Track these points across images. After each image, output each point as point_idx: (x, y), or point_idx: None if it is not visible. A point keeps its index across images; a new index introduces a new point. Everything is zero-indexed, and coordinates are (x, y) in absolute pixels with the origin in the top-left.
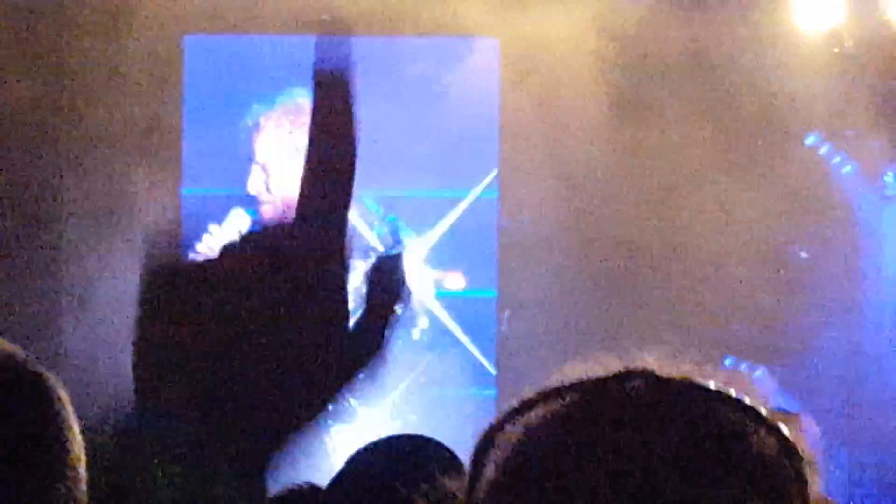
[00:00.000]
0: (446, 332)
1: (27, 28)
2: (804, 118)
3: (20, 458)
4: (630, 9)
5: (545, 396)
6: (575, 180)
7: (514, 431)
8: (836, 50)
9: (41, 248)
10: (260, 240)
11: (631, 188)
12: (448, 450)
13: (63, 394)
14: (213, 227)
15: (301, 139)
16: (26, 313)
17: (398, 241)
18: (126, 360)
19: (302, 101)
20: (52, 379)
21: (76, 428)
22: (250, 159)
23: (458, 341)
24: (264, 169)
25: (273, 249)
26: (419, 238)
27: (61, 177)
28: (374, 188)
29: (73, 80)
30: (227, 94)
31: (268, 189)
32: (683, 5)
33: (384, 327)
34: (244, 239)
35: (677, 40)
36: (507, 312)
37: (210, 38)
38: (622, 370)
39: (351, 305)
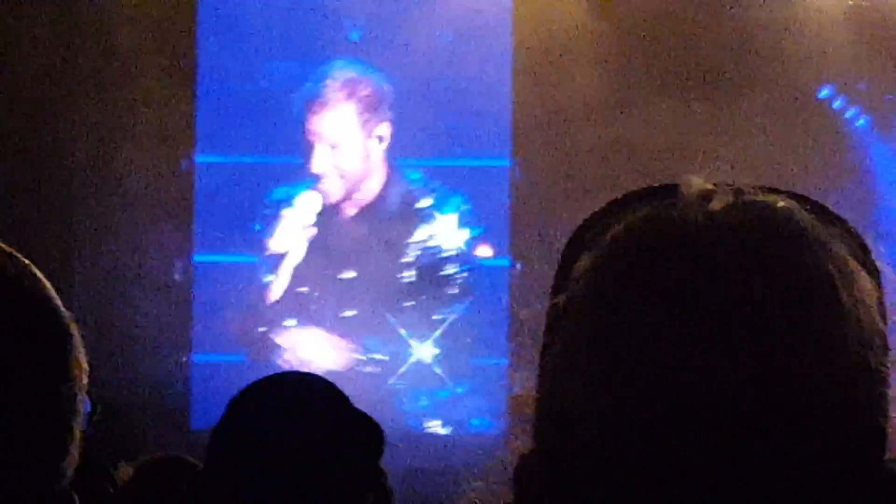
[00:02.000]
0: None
1: None
2: (817, 71)
3: (25, 359)
4: None
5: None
6: (586, 142)
7: (609, 231)
8: (851, 2)
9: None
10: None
11: (645, 142)
12: (332, 385)
13: (70, 325)
14: (285, 212)
15: (366, 115)
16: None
17: (444, 205)
18: None
19: (353, 73)
20: (61, 307)
21: (82, 359)
22: (308, 139)
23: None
24: (332, 147)
25: None
26: (462, 206)
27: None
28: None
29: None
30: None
31: (335, 166)
32: None
33: None
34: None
35: (691, 5)
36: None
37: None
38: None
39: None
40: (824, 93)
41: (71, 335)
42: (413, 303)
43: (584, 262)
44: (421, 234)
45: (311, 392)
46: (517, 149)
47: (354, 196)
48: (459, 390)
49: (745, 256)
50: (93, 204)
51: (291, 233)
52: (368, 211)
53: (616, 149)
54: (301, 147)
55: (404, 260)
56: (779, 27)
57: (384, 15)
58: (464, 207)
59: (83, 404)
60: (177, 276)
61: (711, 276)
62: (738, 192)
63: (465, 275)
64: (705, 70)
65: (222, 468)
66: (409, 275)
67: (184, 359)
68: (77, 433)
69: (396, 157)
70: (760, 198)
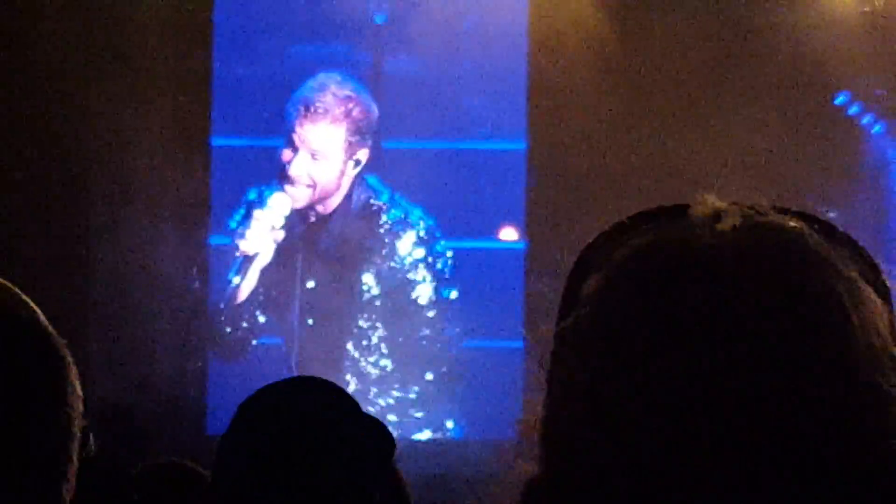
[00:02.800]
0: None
1: None
2: (833, 77)
3: (22, 386)
4: None
5: (643, 220)
6: (601, 133)
7: (617, 252)
8: (867, 9)
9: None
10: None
11: (655, 150)
12: (341, 390)
13: (65, 354)
14: (257, 213)
15: (354, 138)
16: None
17: (409, 224)
18: None
19: (350, 91)
20: (56, 337)
21: (78, 387)
22: (295, 142)
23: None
24: (314, 156)
25: None
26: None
27: (95, 137)
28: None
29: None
30: (260, 53)
31: (310, 176)
32: None
33: None
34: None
35: (708, 2)
36: None
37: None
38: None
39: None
40: (840, 99)
41: (66, 361)
42: (371, 320)
43: (590, 285)
44: (383, 252)
45: (321, 397)
46: (533, 132)
47: (317, 207)
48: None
49: (754, 279)
50: (107, 186)
51: (261, 234)
52: (328, 221)
53: (632, 134)
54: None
55: (368, 276)
56: (794, 33)
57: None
58: (424, 223)
59: (80, 430)
60: (194, 265)
61: (720, 300)
62: (748, 212)
63: (434, 284)
64: (725, 75)
65: (232, 474)
66: (368, 286)
67: (199, 363)
68: (75, 459)
69: (413, 139)
70: (770, 219)
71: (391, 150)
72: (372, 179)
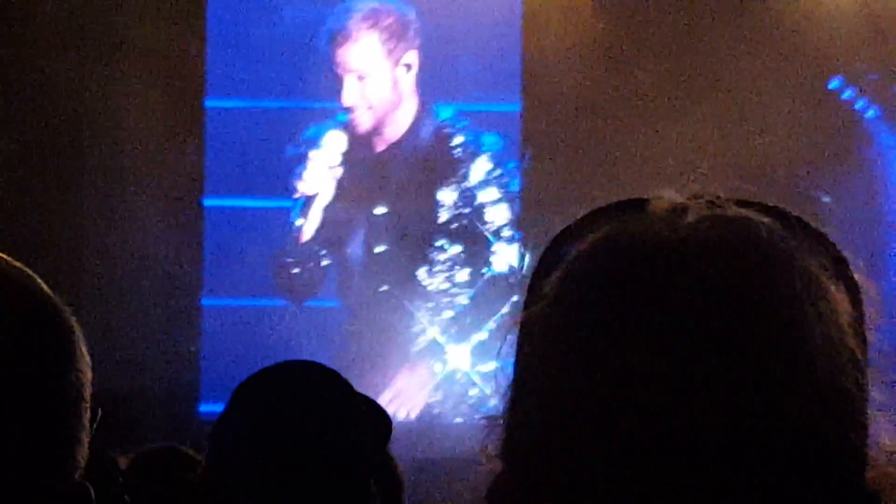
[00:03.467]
0: None
1: None
2: (827, 62)
3: (33, 353)
4: None
5: (603, 216)
6: (596, 89)
7: (575, 247)
8: None
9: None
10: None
11: (648, 133)
12: (335, 372)
13: (73, 322)
14: (312, 154)
15: (391, 44)
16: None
17: (480, 146)
18: None
19: (375, 3)
20: (64, 306)
21: (87, 356)
22: (337, 73)
23: None
24: (360, 78)
25: None
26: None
27: (90, 97)
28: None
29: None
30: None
31: (365, 97)
32: None
33: None
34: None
35: None
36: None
37: None
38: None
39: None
40: (834, 84)
41: (72, 326)
42: (451, 243)
43: (551, 279)
44: (456, 172)
45: (316, 379)
46: (527, 94)
47: (385, 129)
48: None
49: (711, 274)
50: (99, 166)
51: (319, 174)
52: (400, 145)
53: (626, 97)
54: (319, 89)
55: (438, 198)
56: (788, 18)
57: None
58: (494, 141)
59: (90, 397)
60: (187, 225)
61: (677, 293)
62: (709, 205)
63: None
64: (719, 57)
65: (227, 458)
66: (444, 217)
67: (192, 348)
68: (87, 425)
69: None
70: (730, 213)
71: None
72: (440, 107)
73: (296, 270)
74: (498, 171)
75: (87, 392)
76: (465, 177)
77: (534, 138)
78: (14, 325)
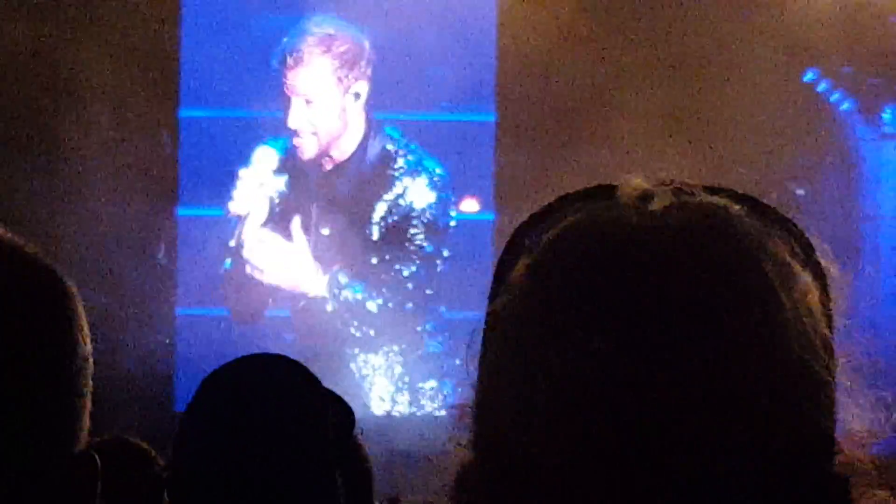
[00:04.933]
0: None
1: None
2: (803, 55)
3: (36, 349)
4: None
5: (571, 203)
6: (570, 96)
7: (543, 235)
8: None
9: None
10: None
11: (626, 118)
12: (302, 366)
13: (75, 293)
14: (241, 172)
15: (343, 72)
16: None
17: (422, 169)
18: None
19: (333, 29)
20: (66, 278)
21: (87, 328)
22: (286, 93)
23: None
24: (307, 102)
25: None
26: (437, 164)
27: (62, 109)
28: (386, 112)
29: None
30: (227, 24)
31: (310, 122)
32: None
33: None
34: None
35: None
36: None
37: None
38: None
39: None
40: (809, 76)
41: (77, 302)
42: (381, 261)
43: (519, 267)
44: (394, 193)
45: (282, 373)
46: (501, 104)
47: (331, 153)
48: (432, 349)
49: (681, 259)
50: (75, 154)
51: (249, 192)
52: (344, 168)
53: (602, 105)
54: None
55: (375, 216)
56: (764, 11)
57: None
58: (439, 171)
59: (90, 368)
60: (161, 236)
61: (646, 280)
62: (677, 192)
63: (434, 236)
64: (692, 51)
65: (192, 448)
66: (379, 233)
67: (167, 340)
68: (89, 397)
69: (381, 111)
70: (699, 199)
71: None
72: (390, 129)
73: (236, 292)
74: (433, 196)
75: (89, 364)
76: (401, 195)
77: (508, 148)
78: (21, 298)
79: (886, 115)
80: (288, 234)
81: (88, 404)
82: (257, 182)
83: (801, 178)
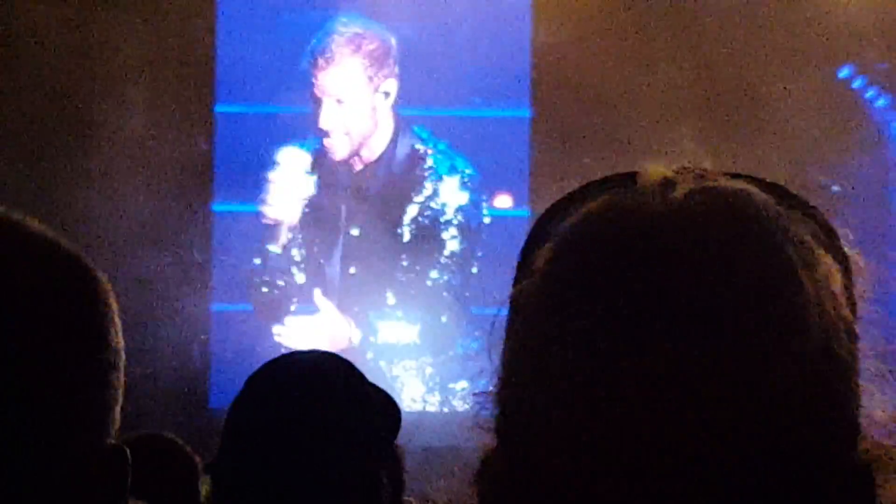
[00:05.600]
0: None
1: None
2: (837, 51)
3: (69, 342)
4: None
5: (594, 190)
6: (605, 93)
7: (567, 221)
8: None
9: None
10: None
11: (660, 115)
12: (348, 362)
13: (108, 288)
14: (271, 175)
15: (372, 70)
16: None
17: (452, 169)
18: None
19: (359, 28)
20: (100, 273)
21: (119, 323)
22: (317, 95)
23: None
24: (339, 102)
25: None
26: (467, 163)
27: (98, 104)
28: (420, 109)
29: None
30: (261, 20)
31: (342, 123)
32: None
33: None
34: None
35: None
36: None
37: None
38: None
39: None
40: (844, 72)
41: (110, 297)
42: (411, 262)
43: (543, 252)
44: (424, 195)
45: (328, 370)
46: (536, 99)
47: (361, 152)
48: (464, 349)
49: (704, 244)
50: (110, 156)
51: (282, 196)
52: (374, 167)
53: (635, 103)
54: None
55: (406, 218)
56: (798, 7)
57: None
58: (468, 171)
59: (123, 366)
60: (196, 232)
61: (669, 265)
62: (699, 178)
63: (467, 237)
64: (726, 47)
65: (239, 446)
66: (410, 233)
67: (203, 336)
68: (120, 392)
69: (415, 107)
70: (720, 184)
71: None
72: (418, 128)
73: (265, 290)
74: (464, 197)
75: (121, 358)
76: (432, 197)
77: (543, 144)
78: (56, 292)
79: None
80: (319, 238)
81: (120, 398)
82: (289, 185)
83: (836, 174)
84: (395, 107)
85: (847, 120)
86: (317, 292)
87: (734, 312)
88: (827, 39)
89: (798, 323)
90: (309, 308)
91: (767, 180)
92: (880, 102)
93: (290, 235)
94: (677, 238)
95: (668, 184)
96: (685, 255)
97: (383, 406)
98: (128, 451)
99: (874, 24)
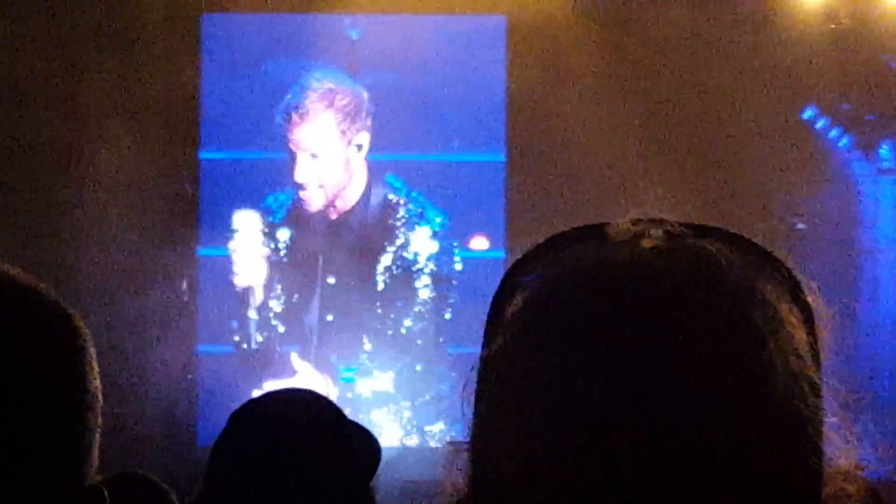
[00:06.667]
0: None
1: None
2: (801, 93)
3: (48, 386)
4: None
5: (565, 242)
6: (577, 149)
7: (536, 275)
8: (833, 26)
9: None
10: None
11: (632, 157)
12: (328, 400)
13: (86, 333)
14: (230, 245)
15: (346, 124)
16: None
17: (424, 220)
18: None
19: (332, 83)
20: (78, 318)
21: (96, 367)
22: (292, 149)
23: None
24: (313, 156)
25: None
26: (439, 212)
27: (85, 149)
28: (397, 154)
29: (89, 54)
30: (244, 68)
31: (317, 176)
32: None
33: None
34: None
35: (679, 18)
36: None
37: (227, 17)
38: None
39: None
40: (808, 113)
41: (88, 342)
42: (386, 311)
43: (513, 306)
44: (396, 245)
45: (309, 406)
46: (511, 144)
47: (336, 203)
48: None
49: (670, 303)
50: (97, 195)
51: (245, 261)
52: (349, 217)
53: (607, 145)
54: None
55: (380, 267)
56: (764, 50)
57: (382, 16)
58: (439, 220)
59: (101, 409)
60: (183, 274)
61: (636, 323)
62: (667, 233)
63: (439, 285)
64: (694, 93)
65: (222, 481)
66: (384, 283)
67: (190, 376)
68: (97, 433)
69: (394, 152)
70: (689, 241)
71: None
72: (391, 178)
73: (245, 346)
74: (436, 246)
75: (99, 401)
76: (404, 246)
77: (518, 187)
78: (35, 337)
79: (883, 151)
80: (297, 288)
81: (97, 439)
82: (248, 248)
83: (801, 212)
84: (373, 153)
85: (811, 159)
86: (293, 356)
87: (699, 373)
88: (790, 82)
89: (761, 383)
90: (286, 371)
91: (735, 233)
92: (843, 142)
93: (262, 296)
94: (645, 297)
95: (636, 237)
96: (653, 312)
97: (362, 443)
98: (105, 490)
99: (836, 67)
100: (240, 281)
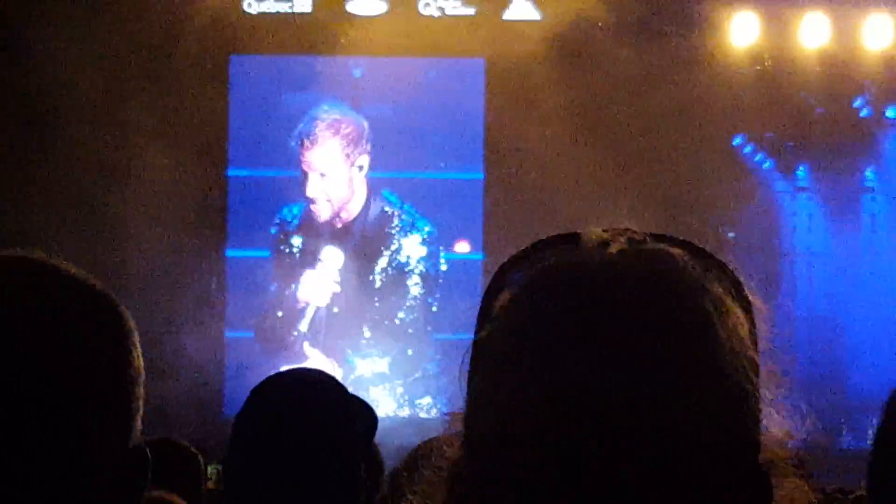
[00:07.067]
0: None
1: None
2: (731, 123)
3: (99, 363)
4: (591, 34)
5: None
6: (547, 161)
7: (520, 274)
8: (758, 67)
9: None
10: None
11: (590, 175)
12: (334, 377)
13: (130, 319)
14: (311, 274)
15: (349, 149)
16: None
17: (415, 228)
18: None
19: (338, 115)
20: (123, 308)
21: (139, 348)
22: (304, 169)
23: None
24: (322, 175)
25: None
26: (427, 222)
27: (128, 166)
28: (392, 172)
29: (135, 86)
30: (265, 100)
31: (325, 192)
32: (635, 33)
33: None
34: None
35: (630, 59)
36: None
37: (251, 58)
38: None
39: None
40: (737, 140)
41: (132, 327)
42: (382, 304)
43: (501, 300)
44: (391, 249)
45: (319, 383)
46: (488, 164)
47: (341, 214)
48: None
49: (635, 298)
50: (137, 207)
51: (317, 285)
52: (351, 226)
53: (569, 167)
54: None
55: (378, 268)
56: (701, 87)
57: (381, 59)
58: (428, 229)
59: (143, 384)
60: (213, 273)
61: (607, 313)
62: (631, 239)
63: (427, 283)
64: (643, 119)
65: (245, 444)
66: (381, 281)
67: (218, 357)
68: (141, 403)
69: (390, 171)
70: (650, 246)
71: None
72: (387, 193)
73: (272, 333)
74: (424, 251)
75: (142, 376)
76: (398, 251)
77: (494, 200)
78: (87, 323)
79: (800, 172)
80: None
81: (141, 408)
82: (325, 278)
83: (731, 223)
84: (372, 172)
85: (740, 179)
86: (305, 344)
87: (658, 355)
88: (723, 114)
89: (712, 363)
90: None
91: (685, 240)
92: (766, 165)
93: (312, 318)
94: (612, 292)
95: (604, 244)
96: (619, 307)
97: (363, 413)
98: (147, 450)
99: (761, 102)
100: (307, 298)
